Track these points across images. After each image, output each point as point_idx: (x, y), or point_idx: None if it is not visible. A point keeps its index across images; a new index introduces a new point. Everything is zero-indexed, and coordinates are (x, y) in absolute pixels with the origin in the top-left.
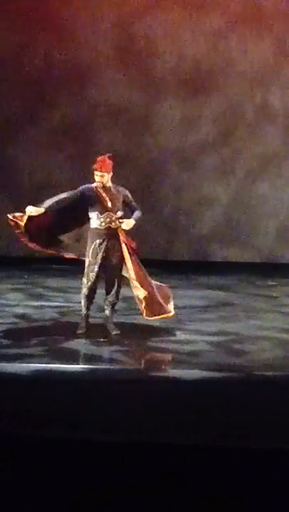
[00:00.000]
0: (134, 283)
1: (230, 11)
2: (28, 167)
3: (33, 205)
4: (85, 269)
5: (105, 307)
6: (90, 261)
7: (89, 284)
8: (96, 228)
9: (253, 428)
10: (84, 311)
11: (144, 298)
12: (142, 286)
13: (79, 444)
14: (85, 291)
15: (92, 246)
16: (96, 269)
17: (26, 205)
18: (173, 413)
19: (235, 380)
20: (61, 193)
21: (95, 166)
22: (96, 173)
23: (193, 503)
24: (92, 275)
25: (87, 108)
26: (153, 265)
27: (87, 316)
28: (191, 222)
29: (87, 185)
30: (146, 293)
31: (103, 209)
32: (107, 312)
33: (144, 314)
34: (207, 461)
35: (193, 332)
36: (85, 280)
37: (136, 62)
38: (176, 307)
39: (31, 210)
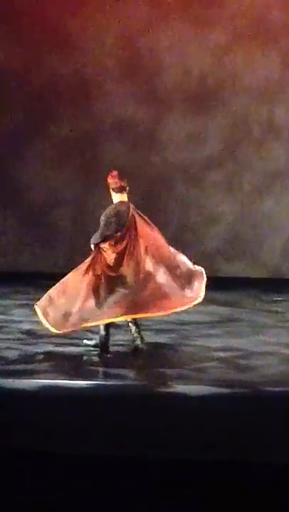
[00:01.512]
0: None
1: (236, 26)
2: (33, 183)
3: None
4: None
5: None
6: None
7: None
8: None
9: (259, 443)
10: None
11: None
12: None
13: (84, 460)
14: None
15: None
16: None
17: (32, 223)
18: (179, 429)
19: (241, 395)
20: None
21: (125, 183)
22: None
23: None
24: None
25: (93, 123)
26: None
27: None
28: (197, 238)
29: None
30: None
31: None
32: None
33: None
34: (213, 476)
35: (199, 347)
36: None
37: (141, 76)
38: (182, 323)
39: None
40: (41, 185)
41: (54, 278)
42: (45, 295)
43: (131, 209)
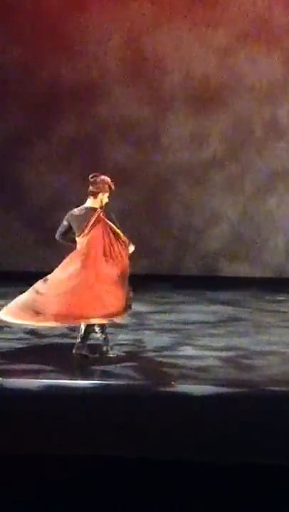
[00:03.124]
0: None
1: (238, 27)
2: (36, 185)
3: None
4: None
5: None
6: None
7: None
8: None
9: (261, 444)
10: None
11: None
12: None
13: (86, 460)
14: None
15: None
16: None
17: (35, 224)
18: (181, 428)
19: (243, 395)
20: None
21: (110, 186)
22: (106, 195)
23: None
24: None
25: (96, 124)
26: (162, 280)
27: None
28: (200, 238)
29: (99, 212)
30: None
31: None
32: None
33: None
34: (214, 476)
35: (202, 347)
36: None
37: (145, 78)
38: (185, 322)
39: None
40: (44, 187)
41: None
42: None
43: None
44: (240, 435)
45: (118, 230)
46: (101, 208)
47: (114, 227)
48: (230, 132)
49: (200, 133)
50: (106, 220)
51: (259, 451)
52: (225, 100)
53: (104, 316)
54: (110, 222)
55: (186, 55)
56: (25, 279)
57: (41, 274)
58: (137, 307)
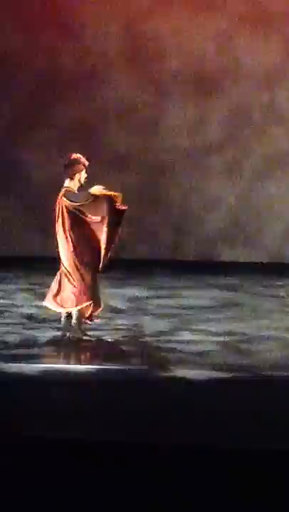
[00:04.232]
0: None
1: (237, 12)
2: (35, 169)
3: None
4: None
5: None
6: None
7: None
8: None
9: (260, 429)
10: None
11: None
12: None
13: (84, 444)
14: None
15: None
16: None
17: (34, 209)
18: (179, 413)
19: (242, 380)
20: None
21: (84, 163)
22: (83, 172)
23: (196, 505)
24: None
25: (95, 109)
26: (160, 265)
27: None
28: (199, 223)
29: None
30: None
31: None
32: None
33: None
34: (213, 462)
35: (200, 332)
36: None
37: (143, 63)
38: (184, 307)
39: None
40: (43, 172)
41: (55, 263)
42: None
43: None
44: (238, 420)
45: (84, 202)
46: (81, 186)
47: (76, 203)
48: (228, 117)
49: (199, 118)
50: (63, 199)
51: (258, 437)
52: (223, 86)
53: None
54: (68, 201)
55: (185, 39)
56: (25, 265)
57: (41, 259)
58: (135, 292)
